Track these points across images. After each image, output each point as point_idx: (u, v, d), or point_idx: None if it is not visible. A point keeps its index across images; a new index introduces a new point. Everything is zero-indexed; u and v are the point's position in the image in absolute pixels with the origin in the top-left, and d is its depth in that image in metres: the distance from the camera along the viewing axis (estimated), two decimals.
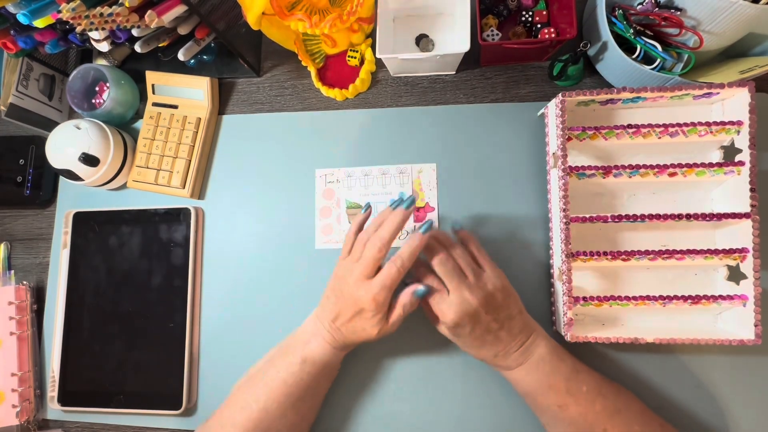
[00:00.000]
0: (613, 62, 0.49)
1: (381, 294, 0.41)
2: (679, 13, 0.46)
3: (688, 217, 0.45)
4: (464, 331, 0.42)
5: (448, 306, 0.41)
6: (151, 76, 0.59)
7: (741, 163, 0.45)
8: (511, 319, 0.43)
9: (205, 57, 0.60)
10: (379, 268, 0.42)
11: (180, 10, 0.49)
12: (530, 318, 0.45)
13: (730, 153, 0.47)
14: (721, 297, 0.45)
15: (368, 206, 0.48)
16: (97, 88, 0.61)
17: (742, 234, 0.45)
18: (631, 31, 0.47)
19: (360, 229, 0.46)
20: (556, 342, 0.45)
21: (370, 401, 0.52)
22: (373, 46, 0.55)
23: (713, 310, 0.47)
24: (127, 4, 0.45)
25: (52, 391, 0.56)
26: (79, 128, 0.55)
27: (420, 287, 0.43)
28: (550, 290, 0.51)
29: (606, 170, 0.46)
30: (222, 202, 0.58)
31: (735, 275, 0.46)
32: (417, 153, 0.56)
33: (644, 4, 0.48)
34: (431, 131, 0.56)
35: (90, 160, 0.54)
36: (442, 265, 0.42)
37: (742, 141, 0.45)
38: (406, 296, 0.43)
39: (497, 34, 0.53)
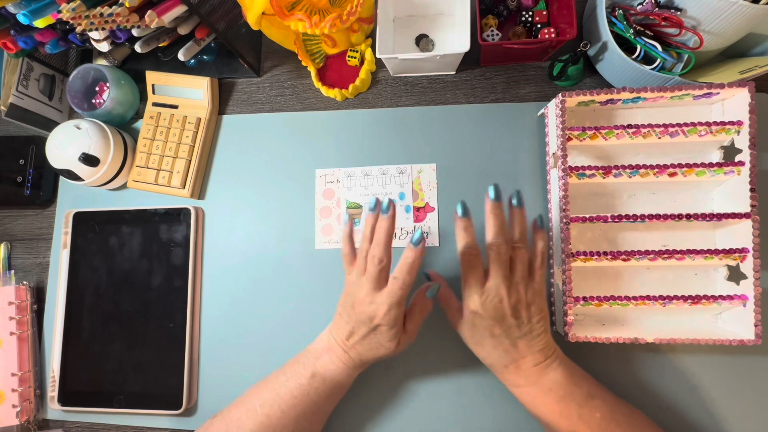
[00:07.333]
0: (613, 62, 0.49)
1: (391, 310, 0.40)
2: (679, 13, 0.46)
3: (688, 217, 0.45)
4: (482, 323, 0.41)
5: (479, 292, 0.40)
6: (151, 76, 0.59)
7: (741, 163, 0.45)
8: (535, 335, 0.42)
9: (205, 57, 0.60)
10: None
11: (180, 10, 0.49)
12: (553, 341, 0.44)
13: (730, 153, 0.47)
14: (721, 297, 0.45)
15: (351, 220, 0.46)
16: (97, 88, 0.61)
17: (742, 234, 0.45)
18: (631, 31, 0.47)
19: (351, 236, 0.45)
20: (575, 365, 0.44)
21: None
22: (373, 46, 0.55)
23: (713, 310, 0.47)
24: (127, 4, 0.45)
25: (52, 391, 0.56)
26: (79, 128, 0.55)
27: (432, 286, 0.41)
28: (550, 290, 0.51)
29: (606, 170, 0.46)
30: (222, 202, 0.58)
31: (735, 275, 0.46)
32: (417, 153, 0.56)
33: (644, 4, 0.48)
34: (431, 131, 0.56)
35: (90, 160, 0.54)
36: (496, 252, 0.40)
37: (742, 141, 0.45)
38: (418, 299, 0.42)
39: (497, 34, 0.53)
